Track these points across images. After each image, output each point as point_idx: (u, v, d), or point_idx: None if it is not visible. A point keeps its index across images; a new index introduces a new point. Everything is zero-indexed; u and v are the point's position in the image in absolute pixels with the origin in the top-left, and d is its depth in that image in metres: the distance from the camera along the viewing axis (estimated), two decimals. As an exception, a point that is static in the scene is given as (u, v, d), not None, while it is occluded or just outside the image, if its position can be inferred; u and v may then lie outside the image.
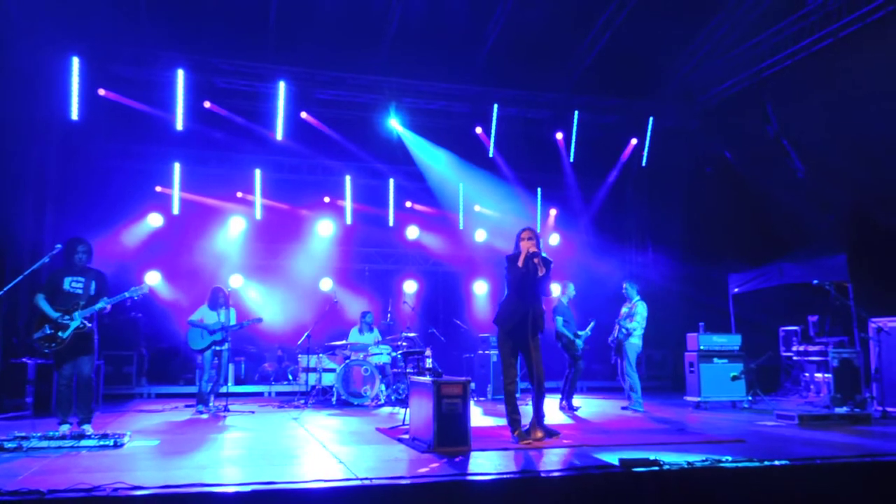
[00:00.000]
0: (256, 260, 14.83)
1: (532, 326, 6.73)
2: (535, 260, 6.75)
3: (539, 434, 6.60)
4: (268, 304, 14.29)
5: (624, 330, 10.33)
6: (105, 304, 7.23)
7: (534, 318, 6.74)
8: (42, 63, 11.84)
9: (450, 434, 6.08)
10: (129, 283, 12.23)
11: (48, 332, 7.02)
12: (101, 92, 12.48)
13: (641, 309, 10.37)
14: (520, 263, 6.81)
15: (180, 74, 12.61)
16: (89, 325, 7.15)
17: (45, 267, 7.31)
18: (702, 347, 10.77)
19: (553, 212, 16.21)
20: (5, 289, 6.67)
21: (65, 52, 11.93)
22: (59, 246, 7.22)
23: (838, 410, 8.88)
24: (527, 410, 6.93)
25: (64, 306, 7.10)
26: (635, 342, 10.30)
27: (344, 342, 11.68)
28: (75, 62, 11.95)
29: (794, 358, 12.26)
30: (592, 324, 10.66)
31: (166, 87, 12.70)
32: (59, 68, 11.93)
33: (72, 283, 7.23)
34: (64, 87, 11.93)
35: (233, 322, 10.11)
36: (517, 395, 6.98)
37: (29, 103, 11.69)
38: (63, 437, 6.37)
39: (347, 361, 11.13)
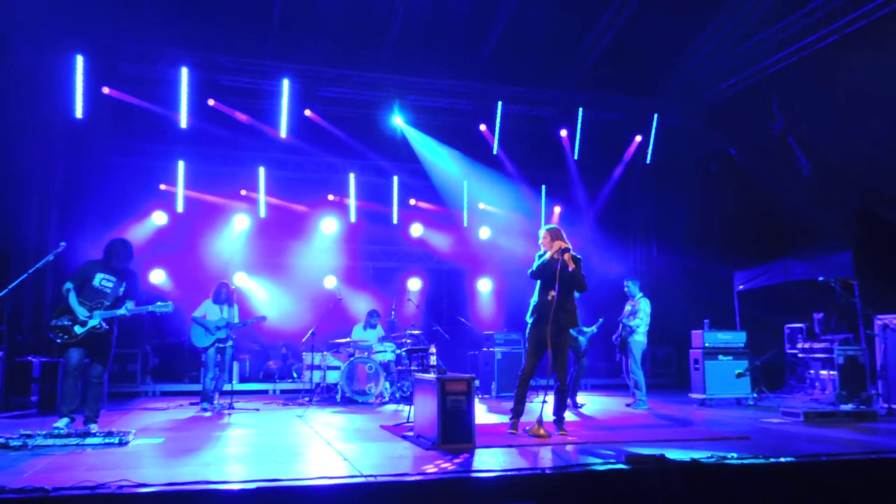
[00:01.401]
0: (261, 257, 14.83)
1: (556, 322, 6.78)
2: (566, 256, 6.83)
3: (542, 431, 6.62)
4: (272, 302, 14.30)
5: (628, 328, 10.32)
6: (126, 312, 7.23)
7: (559, 314, 6.78)
8: (46, 61, 11.87)
9: (454, 431, 6.08)
10: (137, 289, 12.33)
11: (66, 323, 7.03)
12: (106, 90, 12.48)
13: (645, 305, 10.36)
14: (551, 256, 6.94)
15: (184, 72, 12.61)
16: (106, 326, 7.14)
17: (50, 265, 7.31)
18: (707, 344, 10.76)
19: (557, 209, 16.16)
20: (9, 287, 6.68)
21: (69, 51, 11.94)
22: (63, 244, 7.23)
23: (844, 407, 8.86)
24: (531, 408, 6.97)
25: (89, 301, 7.11)
26: (640, 339, 10.29)
27: (348, 339, 11.68)
28: (79, 60, 11.96)
29: (800, 355, 12.22)
30: (601, 321, 10.64)
31: (170, 84, 12.69)
32: (63, 66, 11.94)
33: (102, 281, 7.24)
34: (68, 85, 11.94)
35: (235, 319, 10.12)
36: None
37: (33, 101, 11.73)
38: (68, 436, 6.37)
39: (352, 359, 11.13)
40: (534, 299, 7.11)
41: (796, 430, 7.63)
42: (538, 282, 7.09)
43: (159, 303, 7.56)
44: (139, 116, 12.88)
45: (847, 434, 7.19)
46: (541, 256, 7.07)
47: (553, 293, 6.83)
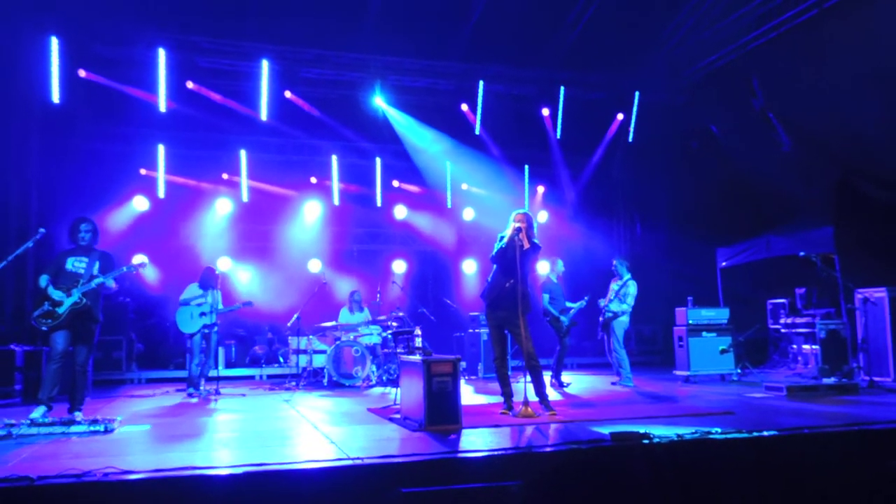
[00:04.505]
0: (244, 242, 14.72)
1: (515, 302, 6.79)
2: (521, 235, 6.82)
3: (529, 410, 6.66)
4: (257, 287, 14.24)
5: (610, 313, 10.32)
6: (102, 279, 7.18)
7: (516, 295, 6.79)
8: (20, 44, 11.60)
9: (441, 412, 6.10)
10: (115, 267, 12.22)
11: (46, 308, 6.99)
12: (82, 73, 12.24)
13: (633, 289, 10.32)
14: (510, 237, 6.94)
15: (161, 54, 12.41)
16: (87, 301, 7.08)
17: (30, 252, 7.24)
18: (690, 321, 10.83)
19: (541, 189, 16.18)
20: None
21: (43, 32, 11.68)
22: (42, 230, 7.17)
23: (826, 381, 8.96)
24: (518, 388, 7.01)
25: (65, 285, 7.08)
26: (623, 319, 10.31)
27: (334, 323, 11.67)
28: (54, 42, 11.71)
29: (782, 330, 12.35)
30: (586, 299, 10.67)
31: (148, 67, 12.47)
32: (37, 49, 11.69)
33: (74, 263, 7.23)
34: (43, 68, 11.70)
35: (220, 304, 10.03)
36: (509, 373, 7.16)
37: (8, 85, 11.50)
38: (53, 424, 6.33)
39: (338, 342, 11.12)
40: (491, 279, 7.13)
41: (779, 404, 7.72)
42: (495, 265, 7.11)
43: (132, 263, 7.85)
44: (117, 100, 12.66)
45: (829, 407, 7.28)
46: (501, 239, 7.04)
47: (512, 280, 6.85)
